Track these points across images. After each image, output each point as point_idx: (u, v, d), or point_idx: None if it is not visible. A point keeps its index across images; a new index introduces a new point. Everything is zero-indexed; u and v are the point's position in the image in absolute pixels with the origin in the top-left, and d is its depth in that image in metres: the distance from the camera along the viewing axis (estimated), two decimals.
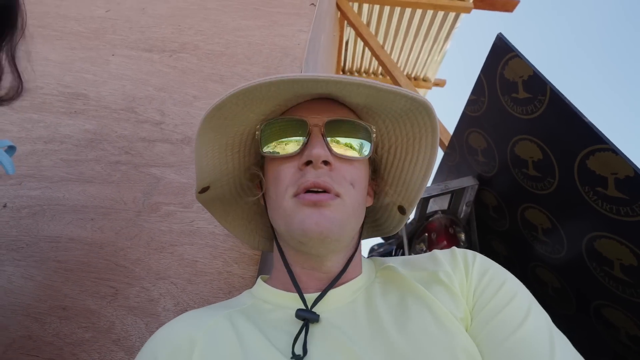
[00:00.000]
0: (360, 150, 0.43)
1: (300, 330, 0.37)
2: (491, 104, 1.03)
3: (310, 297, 0.41)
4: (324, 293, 0.41)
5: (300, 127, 0.42)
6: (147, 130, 0.86)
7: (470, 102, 1.11)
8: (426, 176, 0.46)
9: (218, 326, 0.40)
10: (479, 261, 0.42)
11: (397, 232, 0.59)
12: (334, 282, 0.42)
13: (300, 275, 0.44)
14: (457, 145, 1.26)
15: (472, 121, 1.13)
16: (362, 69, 3.24)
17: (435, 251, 0.46)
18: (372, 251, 1.54)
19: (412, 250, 1.32)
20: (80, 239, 0.70)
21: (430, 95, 3.47)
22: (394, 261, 0.47)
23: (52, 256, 0.69)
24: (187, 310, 0.53)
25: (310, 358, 0.35)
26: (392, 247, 1.47)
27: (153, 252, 0.69)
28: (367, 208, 0.48)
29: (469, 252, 0.44)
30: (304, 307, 0.40)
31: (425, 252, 1.15)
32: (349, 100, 0.44)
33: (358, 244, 0.47)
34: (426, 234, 1.26)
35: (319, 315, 0.39)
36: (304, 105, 0.45)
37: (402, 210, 0.51)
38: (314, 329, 0.38)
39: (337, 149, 0.42)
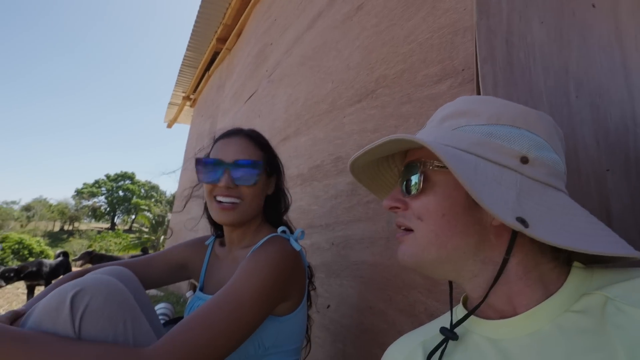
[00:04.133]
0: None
1: (437, 346, 0.46)
2: None
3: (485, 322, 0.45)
4: (466, 316, 0.46)
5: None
6: None
7: None
8: None
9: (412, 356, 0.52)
10: None
11: None
12: (476, 309, 0.44)
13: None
14: None
15: None
16: None
17: None
18: None
19: None
20: (367, 261, 1.06)
21: None
22: (619, 287, 0.37)
23: (357, 274, 1.09)
24: (434, 315, 0.71)
25: None
26: None
27: (402, 268, 0.91)
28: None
29: None
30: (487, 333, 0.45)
31: None
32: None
33: (500, 271, 0.42)
34: None
35: (457, 336, 0.45)
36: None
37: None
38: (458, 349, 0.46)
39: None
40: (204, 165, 0.86)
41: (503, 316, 0.43)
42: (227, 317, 0.62)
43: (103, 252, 6.77)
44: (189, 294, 2.32)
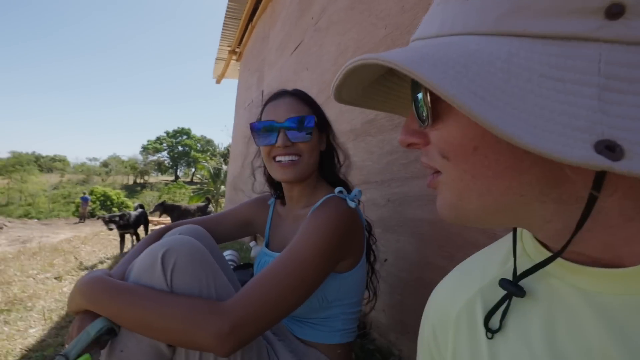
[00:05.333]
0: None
1: (498, 303, 0.35)
2: None
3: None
4: (543, 264, 0.32)
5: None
6: None
7: None
8: None
9: (468, 313, 0.38)
10: None
11: None
12: (559, 254, 0.30)
13: None
14: None
15: None
16: None
17: None
18: None
19: None
20: (426, 219, 1.05)
21: None
22: None
23: (415, 231, 1.09)
24: None
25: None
26: None
27: (464, 226, 0.89)
28: None
29: None
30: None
31: None
32: None
33: (587, 210, 0.27)
34: None
35: (524, 292, 0.33)
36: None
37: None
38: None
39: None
40: (258, 129, 0.88)
41: (603, 265, 0.30)
42: (292, 274, 0.67)
43: (171, 202, 7.61)
44: (252, 243, 2.53)
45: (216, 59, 6.12)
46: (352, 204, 0.79)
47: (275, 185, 1.05)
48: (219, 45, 5.65)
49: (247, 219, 1.07)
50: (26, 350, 1.48)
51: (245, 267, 1.61)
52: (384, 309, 1.22)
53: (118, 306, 0.64)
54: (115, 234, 4.86)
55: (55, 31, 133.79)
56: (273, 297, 0.65)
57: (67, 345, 0.67)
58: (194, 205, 7.06)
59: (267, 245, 1.01)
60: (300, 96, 0.92)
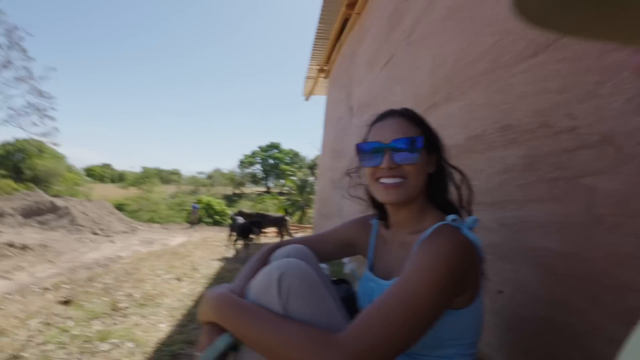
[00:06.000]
0: None
1: None
2: None
3: None
4: None
5: None
6: (564, 140, 0.91)
7: None
8: None
9: None
10: None
11: None
12: None
13: None
14: None
15: None
16: None
17: None
18: None
19: None
20: (555, 250, 0.91)
21: None
22: None
23: (539, 262, 0.95)
24: None
25: None
26: None
27: (612, 263, 0.74)
28: None
29: None
30: None
31: None
32: None
33: None
34: None
35: None
36: None
37: None
38: None
39: None
40: (364, 150, 0.88)
41: None
42: (405, 313, 0.64)
43: (257, 211, 8.70)
44: (346, 259, 2.55)
45: (306, 77, 6.48)
46: (470, 236, 0.73)
47: (378, 207, 1.04)
48: (309, 64, 5.97)
49: (349, 240, 1.08)
50: (159, 344, 1.73)
51: (338, 283, 1.62)
52: (500, 347, 1.09)
53: (241, 326, 0.70)
54: (218, 240, 5.44)
55: (162, 61, 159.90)
56: (386, 336, 0.63)
57: (198, 354, 0.76)
58: (274, 214, 8.02)
59: (370, 269, 1.00)
60: (408, 116, 0.89)
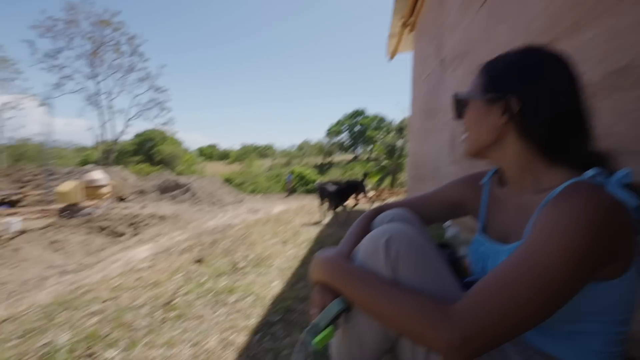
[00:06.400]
0: None
1: None
2: None
3: None
4: None
5: None
6: None
7: None
8: None
9: None
10: None
11: None
12: None
13: None
14: None
15: None
16: None
17: None
18: None
19: None
20: None
21: None
22: None
23: None
24: None
25: None
26: None
27: None
28: None
29: None
30: None
31: None
32: None
33: None
34: None
35: None
36: None
37: None
38: None
39: None
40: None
41: None
42: (534, 286, 0.56)
43: (353, 178, 8.76)
44: (447, 223, 2.43)
45: (389, 35, 6.08)
46: (620, 194, 0.59)
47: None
48: (392, 20, 5.56)
49: (457, 200, 1.00)
50: (274, 299, 1.96)
51: (440, 248, 1.55)
52: None
53: (351, 290, 0.71)
54: (313, 208, 5.70)
55: (243, 36, 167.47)
56: (511, 312, 0.56)
57: (312, 317, 0.82)
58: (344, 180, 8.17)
59: (483, 232, 0.91)
60: (482, 68, 0.80)
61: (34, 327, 1.60)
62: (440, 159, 3.57)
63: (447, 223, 2.43)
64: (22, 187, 13.60)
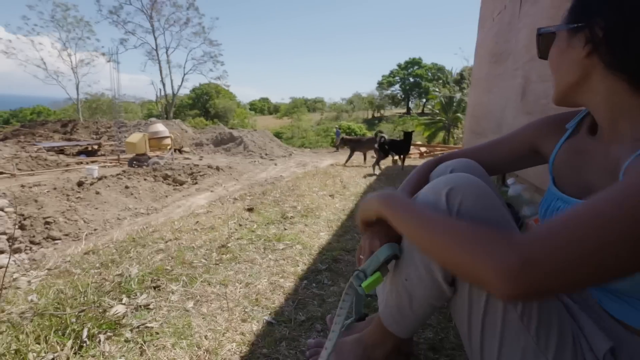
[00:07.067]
0: None
1: None
2: None
3: None
4: None
5: None
6: None
7: None
8: None
9: None
10: None
11: None
12: None
13: None
14: None
15: None
16: None
17: None
18: None
19: None
20: None
21: None
22: None
23: None
24: None
25: None
26: None
27: None
28: None
29: None
30: None
31: None
32: None
33: None
34: None
35: None
36: None
37: None
38: None
39: None
40: None
41: None
42: (622, 233, 0.43)
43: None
44: (510, 181, 2.22)
45: None
46: None
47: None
48: None
49: (532, 146, 0.84)
50: (321, 249, 1.99)
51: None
52: None
53: (407, 220, 0.63)
54: (361, 162, 5.60)
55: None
56: (589, 250, 0.43)
57: (361, 263, 0.78)
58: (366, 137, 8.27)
59: (554, 183, 0.77)
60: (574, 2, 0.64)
61: (111, 259, 1.82)
62: (507, 110, 3.20)
63: (510, 180, 2.22)
64: (98, 138, 15.13)
